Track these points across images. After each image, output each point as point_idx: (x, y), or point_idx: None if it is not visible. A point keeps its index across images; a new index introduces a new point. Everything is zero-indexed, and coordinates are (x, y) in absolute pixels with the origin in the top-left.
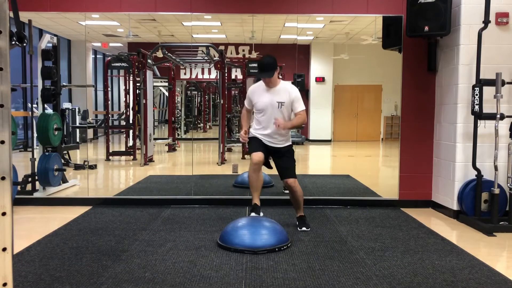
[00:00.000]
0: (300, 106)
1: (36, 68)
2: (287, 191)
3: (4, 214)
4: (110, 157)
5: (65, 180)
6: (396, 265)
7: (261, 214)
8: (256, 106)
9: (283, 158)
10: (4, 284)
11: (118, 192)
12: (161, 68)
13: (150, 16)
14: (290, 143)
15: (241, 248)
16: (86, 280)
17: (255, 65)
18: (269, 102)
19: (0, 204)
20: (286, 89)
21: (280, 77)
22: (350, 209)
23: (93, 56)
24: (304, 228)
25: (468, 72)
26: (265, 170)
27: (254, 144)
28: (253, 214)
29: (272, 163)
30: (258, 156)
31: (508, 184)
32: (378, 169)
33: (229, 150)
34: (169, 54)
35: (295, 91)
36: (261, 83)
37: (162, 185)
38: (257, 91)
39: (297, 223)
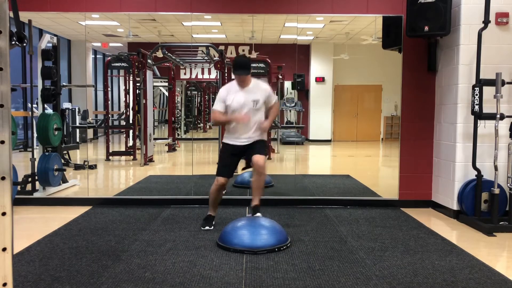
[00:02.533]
0: (274, 98)
1: (36, 68)
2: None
3: (4, 214)
4: (110, 157)
5: (65, 180)
6: (396, 265)
7: (213, 227)
8: (231, 106)
9: (254, 144)
10: (4, 284)
11: (118, 192)
12: (161, 68)
13: (150, 16)
14: (265, 138)
15: (240, 248)
16: (86, 280)
17: (255, 65)
18: (244, 101)
19: (0, 204)
20: (259, 87)
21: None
22: (350, 209)
23: (93, 56)
24: (258, 214)
25: (468, 72)
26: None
27: (224, 161)
28: (207, 227)
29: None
30: (222, 181)
31: (508, 184)
32: (378, 169)
33: None
34: (169, 54)
35: (266, 87)
36: (231, 85)
37: (162, 185)
38: (230, 92)
39: (252, 212)
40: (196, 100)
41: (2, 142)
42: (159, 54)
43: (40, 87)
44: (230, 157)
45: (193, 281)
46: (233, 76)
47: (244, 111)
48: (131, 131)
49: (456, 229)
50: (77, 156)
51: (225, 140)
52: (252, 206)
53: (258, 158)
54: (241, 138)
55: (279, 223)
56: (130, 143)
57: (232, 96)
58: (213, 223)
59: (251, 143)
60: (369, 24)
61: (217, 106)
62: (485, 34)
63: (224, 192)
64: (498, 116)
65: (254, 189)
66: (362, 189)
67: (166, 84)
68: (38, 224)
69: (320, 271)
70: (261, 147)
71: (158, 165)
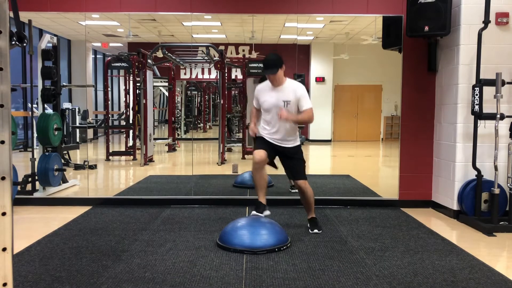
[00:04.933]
0: (306, 104)
1: (36, 68)
2: (294, 191)
3: (4, 214)
4: (110, 157)
5: (65, 180)
6: (396, 265)
7: (267, 212)
8: (262, 106)
9: (292, 160)
10: (4, 284)
11: (118, 192)
12: (161, 68)
13: (150, 16)
14: (299, 143)
15: (240, 248)
16: (86, 280)
17: (255, 65)
18: (275, 101)
19: (0, 204)
20: (292, 88)
21: None
22: (350, 209)
23: (93, 56)
24: (316, 231)
25: (468, 72)
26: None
27: (259, 143)
28: (253, 212)
29: (279, 164)
30: (260, 154)
31: (508, 184)
32: (378, 169)
33: (229, 150)
34: (169, 54)
35: (301, 89)
36: (267, 83)
37: (162, 185)
38: (263, 91)
39: (309, 225)
40: (196, 100)
41: (2, 142)
42: (159, 54)
43: (40, 87)
44: (267, 141)
45: (193, 281)
46: (233, 76)
47: (274, 110)
48: (131, 131)
49: (456, 229)
50: (77, 156)
51: (260, 134)
52: (309, 218)
53: (301, 184)
54: (276, 138)
55: (279, 223)
56: (130, 143)
57: (264, 95)
58: (265, 212)
59: (286, 150)
60: (369, 24)
61: (254, 102)
62: (485, 34)
63: (267, 176)
64: (498, 116)
65: (304, 206)
66: (362, 189)
67: (166, 84)
68: (38, 224)
69: (320, 271)
70: (301, 166)
71: (158, 165)
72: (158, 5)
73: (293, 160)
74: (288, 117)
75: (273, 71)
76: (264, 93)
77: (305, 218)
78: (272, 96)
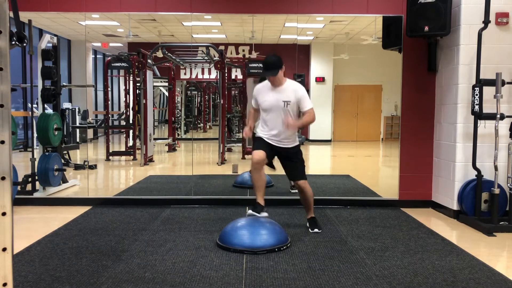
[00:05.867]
0: (307, 104)
1: (36, 68)
2: (294, 191)
3: (4, 214)
4: (110, 157)
5: (65, 180)
6: (396, 265)
7: (265, 214)
8: (261, 106)
9: (291, 161)
10: (4, 284)
11: (118, 192)
12: (161, 68)
13: (150, 16)
14: (297, 143)
15: (240, 248)
16: (86, 280)
17: (255, 65)
18: (275, 102)
19: (0, 204)
20: (292, 88)
21: None
22: (350, 209)
23: (93, 56)
24: (316, 230)
25: (468, 72)
26: (267, 170)
27: (258, 143)
28: (250, 211)
29: (278, 165)
30: (259, 154)
31: (508, 184)
32: (378, 169)
33: (229, 150)
34: (169, 54)
35: (301, 90)
36: (267, 83)
37: (162, 185)
38: (262, 91)
39: (308, 224)
40: (196, 100)
41: (2, 142)
42: (159, 54)
43: (40, 87)
44: (265, 142)
45: (193, 281)
46: (233, 76)
47: (274, 111)
48: (131, 131)
49: (456, 229)
50: (77, 156)
51: (259, 134)
52: (308, 218)
53: (301, 184)
54: (275, 138)
55: (279, 223)
56: (130, 143)
57: (263, 95)
58: (263, 213)
59: (285, 150)
60: (369, 24)
61: (252, 102)
62: (485, 34)
63: (266, 175)
64: (498, 116)
65: (304, 205)
66: (362, 189)
67: (166, 84)
68: (38, 224)
69: (320, 271)
70: (300, 165)
71: (158, 165)
72: (158, 5)
73: (293, 161)
74: (295, 124)
75: (273, 72)
76: (264, 93)
77: (305, 218)
78: (272, 96)
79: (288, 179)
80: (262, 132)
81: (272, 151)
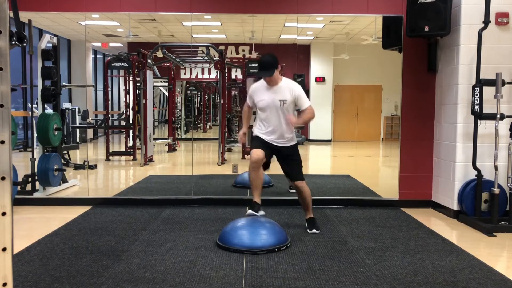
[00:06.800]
0: (305, 102)
1: (36, 68)
2: (292, 191)
3: (4, 214)
4: (110, 157)
5: (65, 180)
6: (396, 265)
7: (262, 212)
8: (258, 105)
9: (289, 161)
10: (4, 284)
11: (118, 192)
12: (161, 68)
13: (150, 16)
14: (295, 142)
15: (240, 248)
16: (86, 280)
17: (255, 65)
18: (271, 101)
19: (0, 204)
20: (289, 87)
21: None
22: (350, 209)
23: (93, 56)
24: (314, 230)
25: (468, 72)
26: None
27: (256, 142)
28: (249, 211)
29: (274, 165)
30: (257, 153)
31: (508, 184)
32: (378, 169)
33: (229, 150)
34: (169, 54)
35: (297, 88)
36: (263, 82)
37: (162, 185)
38: (258, 90)
39: (307, 225)
40: (196, 100)
41: (2, 142)
42: (159, 54)
43: (40, 87)
44: (264, 142)
45: (193, 281)
46: (233, 76)
47: (270, 110)
48: (131, 131)
49: (456, 229)
50: (77, 156)
51: (256, 134)
52: (307, 218)
53: (298, 184)
54: (272, 137)
55: (279, 223)
56: (130, 143)
57: (259, 95)
58: (259, 212)
59: (283, 149)
60: (369, 24)
61: (248, 100)
62: (485, 34)
63: (264, 172)
64: (498, 116)
65: (302, 205)
66: (362, 189)
67: (166, 84)
68: (38, 224)
69: (320, 271)
70: (298, 167)
71: (158, 165)
72: (158, 5)
73: (290, 161)
74: (297, 122)
75: (269, 73)
76: (260, 92)
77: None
78: (268, 95)
79: (286, 178)
80: (259, 131)
81: (270, 150)
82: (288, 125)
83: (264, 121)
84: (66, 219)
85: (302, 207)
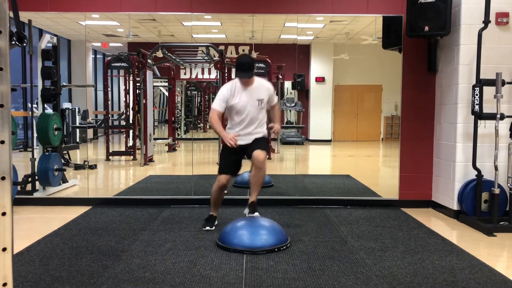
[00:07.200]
0: (275, 98)
1: (36, 68)
2: (247, 212)
3: (4, 214)
4: (110, 157)
5: (65, 180)
6: (396, 265)
7: (216, 224)
8: (235, 107)
9: (255, 141)
10: (4, 284)
11: (118, 192)
12: (161, 68)
13: (150, 16)
14: (266, 133)
15: (240, 248)
16: (86, 280)
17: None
18: (249, 101)
19: (0, 204)
20: (264, 86)
21: (280, 76)
22: (350, 209)
23: (93, 56)
24: (256, 214)
25: (468, 72)
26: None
27: (226, 160)
28: (207, 227)
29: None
30: (226, 178)
31: (508, 184)
32: (378, 169)
33: None
34: (169, 54)
35: (271, 87)
36: (234, 83)
37: (162, 185)
38: (233, 92)
39: (248, 210)
40: (196, 100)
41: (2, 142)
42: (159, 54)
43: (40, 87)
44: (232, 155)
45: (193, 281)
46: (233, 76)
47: (248, 110)
48: (131, 131)
49: (456, 229)
50: (77, 156)
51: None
52: (249, 203)
53: (258, 153)
54: (247, 135)
55: (279, 223)
56: (130, 143)
57: (237, 97)
58: (215, 223)
59: (255, 139)
60: (369, 24)
61: (217, 105)
62: (485, 34)
63: (225, 192)
64: (498, 116)
65: (252, 185)
66: (362, 189)
67: (166, 84)
68: (38, 224)
69: (320, 271)
70: (263, 143)
71: (158, 165)
72: (158, 5)
73: (257, 140)
74: (279, 128)
75: (249, 74)
76: (236, 95)
77: (306, 218)
78: (245, 96)
79: (247, 157)
80: (232, 131)
81: (239, 157)
82: (262, 126)
83: (241, 122)
84: (66, 219)
85: (250, 188)
